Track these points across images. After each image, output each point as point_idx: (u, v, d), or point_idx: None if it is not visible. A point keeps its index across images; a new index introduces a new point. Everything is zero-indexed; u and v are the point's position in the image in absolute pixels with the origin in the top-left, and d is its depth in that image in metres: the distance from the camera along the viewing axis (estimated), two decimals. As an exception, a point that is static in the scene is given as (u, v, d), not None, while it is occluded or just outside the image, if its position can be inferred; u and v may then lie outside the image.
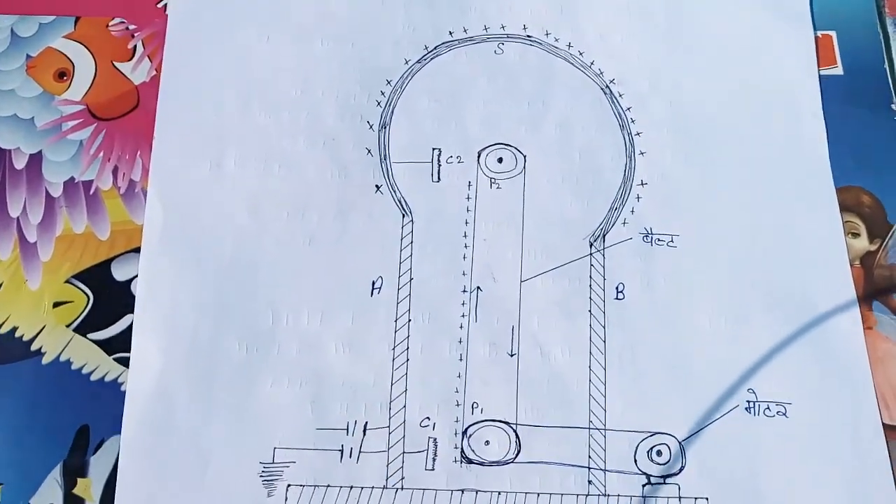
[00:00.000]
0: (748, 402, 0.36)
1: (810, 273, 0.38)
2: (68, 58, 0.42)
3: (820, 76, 0.42)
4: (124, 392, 0.36)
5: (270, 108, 0.41)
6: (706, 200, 0.40)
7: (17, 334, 0.37)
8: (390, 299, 0.38)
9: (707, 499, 0.35)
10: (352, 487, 0.35)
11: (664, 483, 0.35)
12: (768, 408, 0.36)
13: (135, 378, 0.36)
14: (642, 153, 0.40)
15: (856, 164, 0.40)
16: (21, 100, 0.41)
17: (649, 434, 0.36)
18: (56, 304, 0.38)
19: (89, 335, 0.37)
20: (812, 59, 0.43)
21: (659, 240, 0.39)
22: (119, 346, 0.37)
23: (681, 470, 0.35)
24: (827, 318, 0.38)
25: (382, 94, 0.41)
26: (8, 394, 0.36)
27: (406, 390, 0.36)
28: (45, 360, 0.37)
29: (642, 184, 0.40)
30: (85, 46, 0.42)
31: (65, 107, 0.41)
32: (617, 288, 0.38)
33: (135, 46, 0.42)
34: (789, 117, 0.41)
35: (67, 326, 0.37)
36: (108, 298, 0.38)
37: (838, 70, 0.43)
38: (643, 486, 0.35)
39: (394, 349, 0.37)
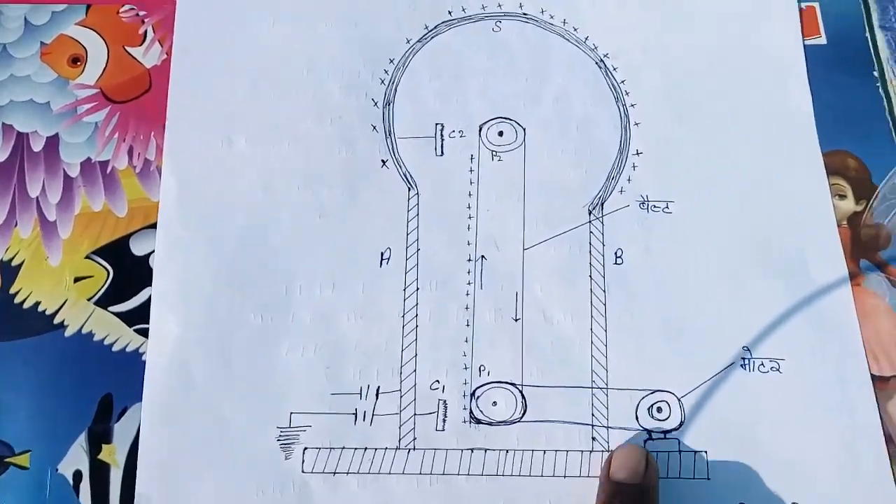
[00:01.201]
0: (743, 359, 0.36)
1: (800, 234, 0.38)
2: (81, 44, 0.41)
3: (805, 46, 0.41)
4: (145, 362, 0.35)
5: (278, 88, 0.40)
6: (699, 168, 0.39)
7: (40, 309, 0.36)
8: (398, 269, 0.37)
9: (706, 451, 0.34)
10: (366, 449, 0.34)
11: (665, 438, 0.35)
12: (762, 364, 0.36)
13: (154, 348, 0.35)
14: (637, 124, 0.39)
15: (841, 130, 0.40)
16: (36, 85, 0.40)
17: (650, 392, 0.35)
18: (77, 279, 0.37)
19: (110, 308, 0.36)
20: (797, 30, 0.42)
21: (655, 206, 0.38)
22: (139, 318, 0.36)
23: (680, 425, 0.35)
24: (817, 276, 0.37)
25: (386, 72, 0.40)
26: (33, 366, 0.36)
27: (416, 355, 0.36)
28: (68, 332, 0.36)
29: (637, 153, 0.39)
30: (97, 33, 0.41)
31: (79, 91, 0.40)
32: (616, 253, 0.37)
33: (145, 32, 0.41)
34: (777, 86, 0.40)
35: (89, 300, 0.36)
36: (127, 272, 0.37)
37: (822, 40, 0.41)
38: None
39: (403, 316, 0.36)
